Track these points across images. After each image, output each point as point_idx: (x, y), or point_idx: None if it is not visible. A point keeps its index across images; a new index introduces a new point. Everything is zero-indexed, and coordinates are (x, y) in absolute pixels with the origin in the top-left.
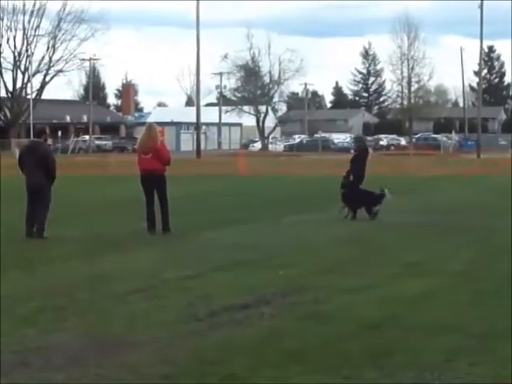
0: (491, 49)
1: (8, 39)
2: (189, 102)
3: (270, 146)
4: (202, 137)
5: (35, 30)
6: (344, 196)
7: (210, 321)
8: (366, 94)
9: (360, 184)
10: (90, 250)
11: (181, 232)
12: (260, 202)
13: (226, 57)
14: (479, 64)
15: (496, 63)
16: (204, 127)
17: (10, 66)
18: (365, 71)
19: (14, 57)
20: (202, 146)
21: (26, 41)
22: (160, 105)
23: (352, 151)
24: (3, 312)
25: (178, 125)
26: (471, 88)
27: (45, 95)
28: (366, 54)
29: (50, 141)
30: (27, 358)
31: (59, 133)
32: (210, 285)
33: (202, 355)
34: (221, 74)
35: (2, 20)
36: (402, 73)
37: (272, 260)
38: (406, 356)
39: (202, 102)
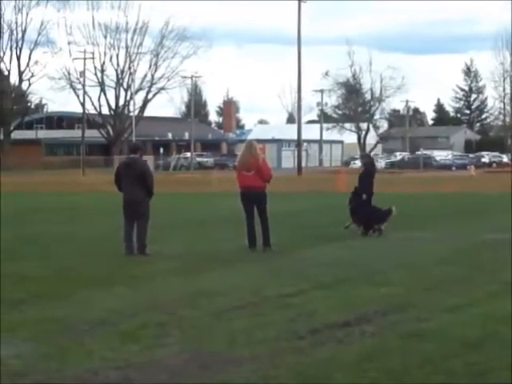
0: None
1: (111, 57)
2: (290, 119)
3: None
4: (303, 154)
5: (138, 48)
6: (352, 211)
7: (311, 338)
8: (467, 111)
9: (370, 199)
10: (192, 266)
11: (281, 249)
12: None
13: (327, 74)
14: None
15: None
16: (305, 144)
17: (113, 84)
18: (467, 88)
19: (117, 74)
20: (303, 163)
21: (128, 58)
22: (261, 122)
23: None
24: (108, 326)
25: (279, 142)
26: None
27: (147, 112)
28: (468, 71)
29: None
30: (130, 374)
31: (161, 150)
32: (310, 302)
33: (303, 373)
34: (322, 91)
35: (106, 38)
36: (504, 89)
37: (373, 277)
38: (508, 374)
39: (304, 120)
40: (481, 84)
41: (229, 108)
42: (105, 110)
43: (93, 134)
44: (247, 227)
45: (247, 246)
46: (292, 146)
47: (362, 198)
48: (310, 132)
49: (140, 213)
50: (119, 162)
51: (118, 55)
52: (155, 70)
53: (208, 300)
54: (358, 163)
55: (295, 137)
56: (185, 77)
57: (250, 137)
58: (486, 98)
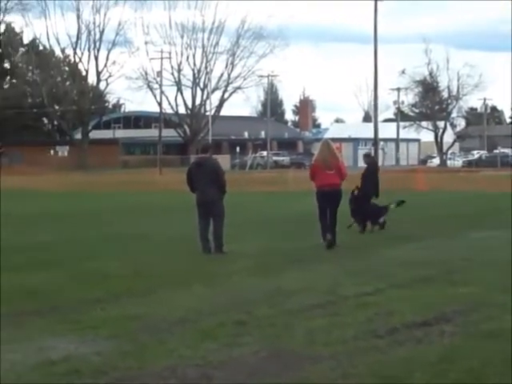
0: None
1: (188, 57)
2: (366, 118)
3: (448, 161)
4: (380, 152)
5: (214, 48)
6: (353, 212)
7: (390, 338)
8: None
9: (370, 198)
10: (269, 264)
11: (358, 248)
12: (438, 218)
13: (403, 72)
14: None
15: None
16: (382, 143)
17: (190, 84)
18: None
19: (194, 74)
20: (380, 162)
21: (205, 58)
22: (337, 121)
23: None
24: (187, 324)
25: (355, 141)
26: None
27: (223, 112)
28: None
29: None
30: (209, 371)
31: (237, 149)
32: (388, 301)
33: (381, 372)
34: (398, 89)
35: (182, 38)
36: None
37: (452, 277)
38: None
39: (380, 118)
40: None
41: (305, 107)
42: (181, 110)
43: (169, 134)
44: (323, 226)
45: (324, 244)
46: (368, 144)
47: (354, 195)
48: (387, 130)
49: (215, 212)
50: (191, 163)
51: (194, 55)
52: (231, 70)
53: (286, 298)
54: (434, 162)
55: (372, 135)
56: (261, 76)
57: (327, 135)
58: None
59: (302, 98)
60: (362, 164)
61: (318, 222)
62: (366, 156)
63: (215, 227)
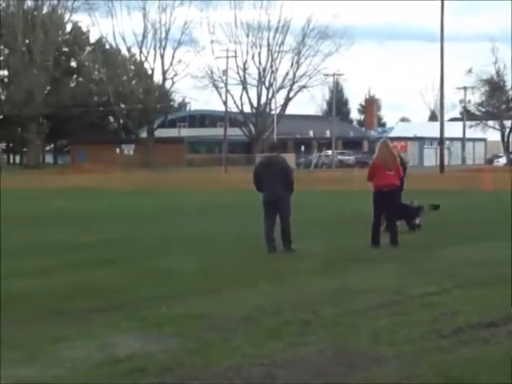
0: None
1: (253, 55)
2: (432, 117)
3: None
4: (446, 152)
5: (280, 46)
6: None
7: (455, 338)
8: None
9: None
10: (334, 264)
11: (422, 247)
12: (503, 218)
13: (470, 71)
14: None
15: None
16: (447, 142)
17: (255, 82)
18: None
19: (259, 73)
20: (446, 161)
21: (270, 57)
22: (403, 120)
23: None
24: (252, 323)
25: (421, 140)
26: None
27: (288, 110)
28: None
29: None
30: (273, 371)
31: (302, 148)
32: (453, 301)
33: (447, 372)
34: (465, 88)
35: (248, 36)
36: None
37: None
38: None
39: (446, 117)
40: None
41: (370, 106)
42: (247, 109)
43: (235, 132)
44: (375, 225)
45: (372, 244)
46: (434, 143)
47: None
48: (453, 130)
49: (283, 210)
50: (257, 162)
51: (260, 53)
52: (297, 68)
53: (351, 298)
54: (501, 161)
55: (437, 135)
56: (326, 75)
57: (392, 135)
58: None
59: (367, 96)
60: (427, 163)
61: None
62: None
63: (284, 225)
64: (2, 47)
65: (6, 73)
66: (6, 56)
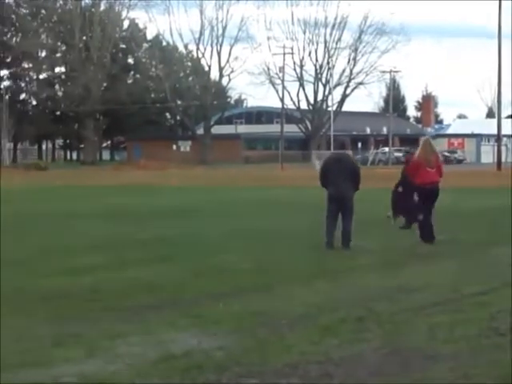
0: None
1: (310, 52)
2: (489, 114)
3: None
4: (503, 149)
5: (336, 43)
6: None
7: None
8: None
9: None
10: (390, 261)
11: (477, 244)
12: None
13: None
14: None
15: None
16: (505, 139)
17: (312, 79)
18: None
19: (316, 69)
20: (503, 158)
21: (327, 54)
22: (460, 116)
23: None
24: (308, 320)
25: (478, 137)
26: None
27: (345, 107)
28: None
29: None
30: (330, 368)
31: (359, 144)
32: (508, 300)
33: (504, 371)
34: None
35: (304, 33)
36: None
37: None
38: None
39: (503, 114)
40: None
41: (427, 102)
42: (303, 105)
43: (291, 129)
44: (424, 222)
45: (421, 240)
46: (491, 140)
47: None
48: (510, 127)
49: (346, 208)
50: (327, 158)
51: (316, 50)
52: (354, 65)
53: (407, 295)
54: None
55: (495, 132)
56: (383, 71)
57: (449, 131)
58: None
59: (424, 93)
60: (485, 160)
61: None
62: (407, 153)
63: (346, 223)
64: (59, 44)
65: (63, 69)
66: (63, 53)
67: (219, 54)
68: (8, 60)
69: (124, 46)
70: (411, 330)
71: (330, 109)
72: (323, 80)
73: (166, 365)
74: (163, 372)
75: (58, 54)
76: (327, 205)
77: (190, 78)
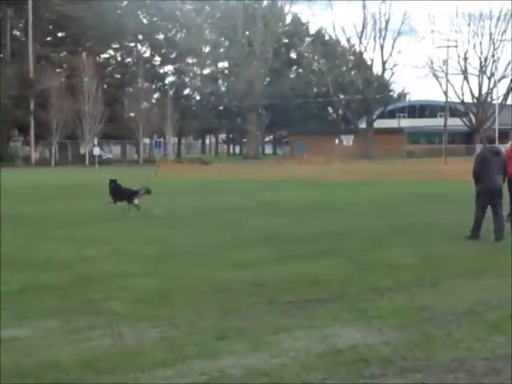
0: None
1: (474, 45)
2: None
3: None
4: None
5: (502, 35)
6: None
7: None
8: None
9: None
10: None
11: None
12: None
13: None
14: None
15: None
16: None
17: (476, 72)
18: None
19: (480, 62)
20: None
21: (492, 46)
22: None
23: None
24: (475, 316)
25: None
26: None
27: (510, 100)
28: None
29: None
30: (497, 365)
31: None
32: None
33: None
34: None
35: (469, 26)
36: None
37: None
38: None
39: None
40: None
41: None
42: (467, 98)
43: (455, 123)
44: None
45: None
46: None
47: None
48: None
49: (497, 202)
50: (483, 152)
51: (481, 43)
52: None
53: None
54: None
55: None
56: None
57: None
58: None
59: None
60: None
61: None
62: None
63: (498, 217)
64: (222, 39)
65: (226, 65)
66: (226, 48)
67: (382, 47)
68: (172, 56)
69: (287, 40)
70: None
71: (494, 102)
72: (488, 73)
73: (331, 358)
74: (328, 365)
75: (222, 50)
76: (478, 198)
77: (353, 72)
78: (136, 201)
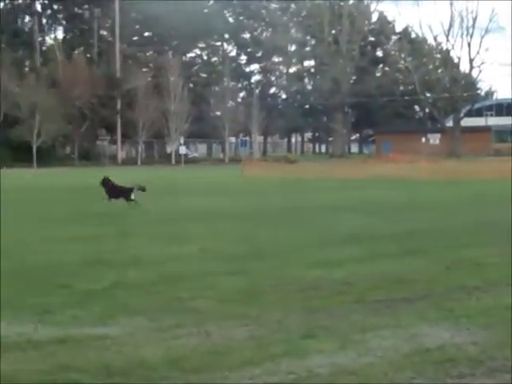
0: None
1: None
2: None
3: None
4: None
5: None
6: None
7: None
8: None
9: None
10: None
11: None
12: None
13: None
14: None
15: None
16: None
17: None
18: None
19: None
20: None
21: None
22: None
23: None
24: None
25: None
26: None
27: None
28: None
29: None
30: None
31: None
32: None
33: None
34: None
35: None
36: None
37: None
38: None
39: None
40: None
41: None
42: None
43: None
44: None
45: None
46: None
47: None
48: None
49: None
50: None
51: None
52: None
53: None
54: None
55: None
56: None
57: None
58: None
59: None
60: None
61: None
62: None
63: None
64: (308, 38)
65: (312, 63)
66: (312, 47)
67: (469, 45)
68: (258, 55)
69: (373, 38)
70: None
71: None
72: None
73: (419, 358)
74: (416, 365)
75: (307, 48)
76: None
77: (440, 70)
78: (133, 196)
